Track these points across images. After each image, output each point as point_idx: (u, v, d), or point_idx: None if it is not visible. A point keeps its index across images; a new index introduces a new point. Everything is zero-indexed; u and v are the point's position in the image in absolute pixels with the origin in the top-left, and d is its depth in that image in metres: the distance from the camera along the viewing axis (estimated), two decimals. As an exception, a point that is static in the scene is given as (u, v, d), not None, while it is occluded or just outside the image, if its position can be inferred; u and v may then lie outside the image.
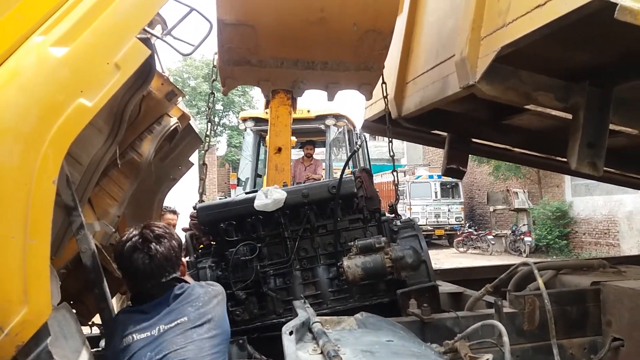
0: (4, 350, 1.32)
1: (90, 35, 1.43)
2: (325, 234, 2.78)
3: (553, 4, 2.00)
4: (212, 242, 2.72)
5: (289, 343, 1.76)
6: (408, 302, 2.59)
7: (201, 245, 2.81)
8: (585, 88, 2.62)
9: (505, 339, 2.00)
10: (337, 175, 9.38)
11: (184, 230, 2.82)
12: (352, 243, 2.67)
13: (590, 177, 3.75)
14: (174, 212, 5.05)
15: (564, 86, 2.67)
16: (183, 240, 2.95)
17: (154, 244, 1.83)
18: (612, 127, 2.82)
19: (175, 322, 1.75)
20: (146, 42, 1.68)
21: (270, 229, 2.70)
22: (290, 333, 1.81)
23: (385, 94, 3.37)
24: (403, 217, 3.05)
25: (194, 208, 2.76)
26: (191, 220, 2.76)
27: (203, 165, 2.96)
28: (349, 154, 8.84)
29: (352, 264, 2.58)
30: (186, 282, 1.95)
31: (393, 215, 3.00)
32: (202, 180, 2.97)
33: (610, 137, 2.74)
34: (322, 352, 1.71)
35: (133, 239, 1.83)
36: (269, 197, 2.56)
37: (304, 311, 2.16)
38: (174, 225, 5.04)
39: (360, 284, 2.65)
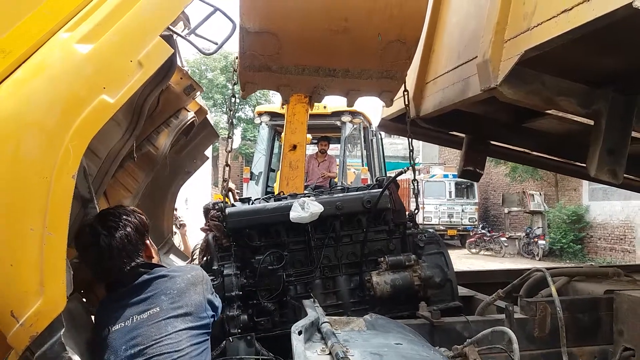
0: (18, 340, 1.34)
1: (115, 33, 1.44)
2: (348, 243, 2.74)
3: (580, 9, 1.96)
4: (232, 244, 2.63)
5: (298, 343, 1.75)
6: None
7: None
8: (608, 94, 2.58)
9: (515, 346, 1.99)
10: (351, 171, 9.33)
11: (203, 230, 2.78)
12: (382, 259, 2.65)
13: (609, 183, 3.70)
14: None
15: (586, 92, 2.63)
16: (201, 241, 2.92)
17: (103, 236, 1.78)
18: (633, 134, 2.77)
19: (148, 313, 1.71)
20: (168, 38, 1.69)
21: (294, 236, 2.67)
22: (299, 332, 1.81)
23: (407, 103, 3.34)
24: (419, 224, 3.01)
25: (218, 210, 2.69)
26: (211, 220, 2.69)
27: (226, 166, 2.91)
28: (365, 152, 8.81)
29: (382, 280, 2.58)
30: (158, 265, 1.91)
31: (412, 224, 2.96)
32: (225, 181, 2.91)
33: (631, 145, 2.69)
34: (330, 353, 1.71)
35: (86, 231, 1.80)
36: (306, 210, 2.51)
37: (313, 310, 2.16)
38: None
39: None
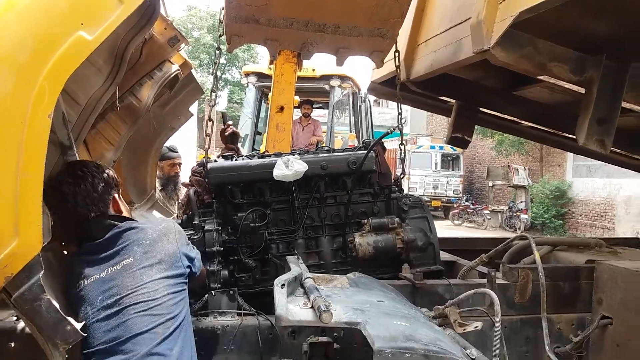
0: None
1: (92, -36, 1.35)
2: (332, 204, 2.72)
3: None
4: (213, 200, 2.61)
5: (280, 295, 1.75)
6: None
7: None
8: (601, 61, 2.54)
9: (497, 307, 1.99)
10: (338, 139, 9.20)
11: (185, 185, 2.74)
12: (365, 221, 2.65)
13: (596, 155, 3.70)
14: (175, 151, 4.89)
15: (579, 58, 2.59)
16: (182, 196, 2.85)
17: (67, 183, 1.74)
18: (623, 104, 2.76)
19: (122, 264, 1.70)
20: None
21: (277, 195, 2.64)
22: (282, 286, 1.81)
23: (397, 64, 3.27)
24: (404, 191, 3.00)
25: (200, 165, 2.64)
26: (193, 176, 2.64)
27: (209, 121, 2.84)
28: (353, 119, 8.73)
29: (364, 241, 2.59)
30: (128, 218, 1.89)
31: (398, 188, 2.94)
32: (208, 136, 2.84)
33: (620, 116, 2.68)
34: (312, 307, 1.71)
35: (52, 180, 1.75)
36: (290, 168, 2.47)
37: (297, 266, 2.16)
38: (180, 164, 4.88)
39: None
